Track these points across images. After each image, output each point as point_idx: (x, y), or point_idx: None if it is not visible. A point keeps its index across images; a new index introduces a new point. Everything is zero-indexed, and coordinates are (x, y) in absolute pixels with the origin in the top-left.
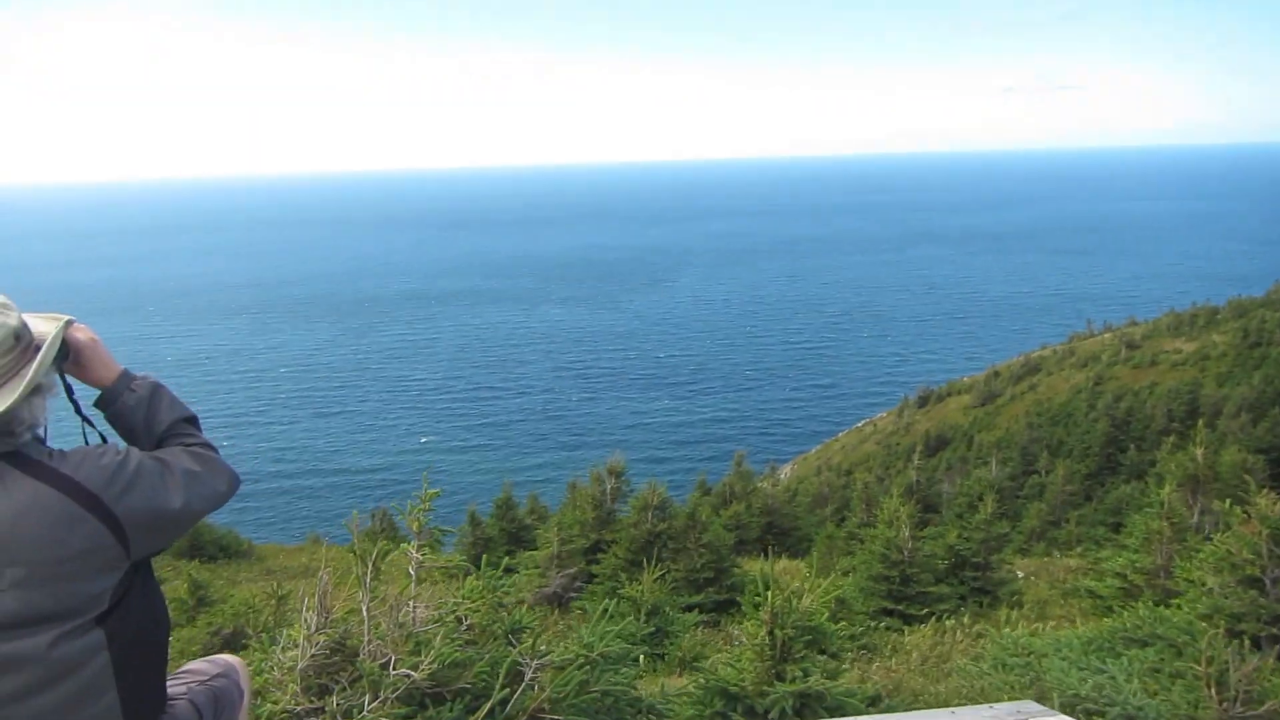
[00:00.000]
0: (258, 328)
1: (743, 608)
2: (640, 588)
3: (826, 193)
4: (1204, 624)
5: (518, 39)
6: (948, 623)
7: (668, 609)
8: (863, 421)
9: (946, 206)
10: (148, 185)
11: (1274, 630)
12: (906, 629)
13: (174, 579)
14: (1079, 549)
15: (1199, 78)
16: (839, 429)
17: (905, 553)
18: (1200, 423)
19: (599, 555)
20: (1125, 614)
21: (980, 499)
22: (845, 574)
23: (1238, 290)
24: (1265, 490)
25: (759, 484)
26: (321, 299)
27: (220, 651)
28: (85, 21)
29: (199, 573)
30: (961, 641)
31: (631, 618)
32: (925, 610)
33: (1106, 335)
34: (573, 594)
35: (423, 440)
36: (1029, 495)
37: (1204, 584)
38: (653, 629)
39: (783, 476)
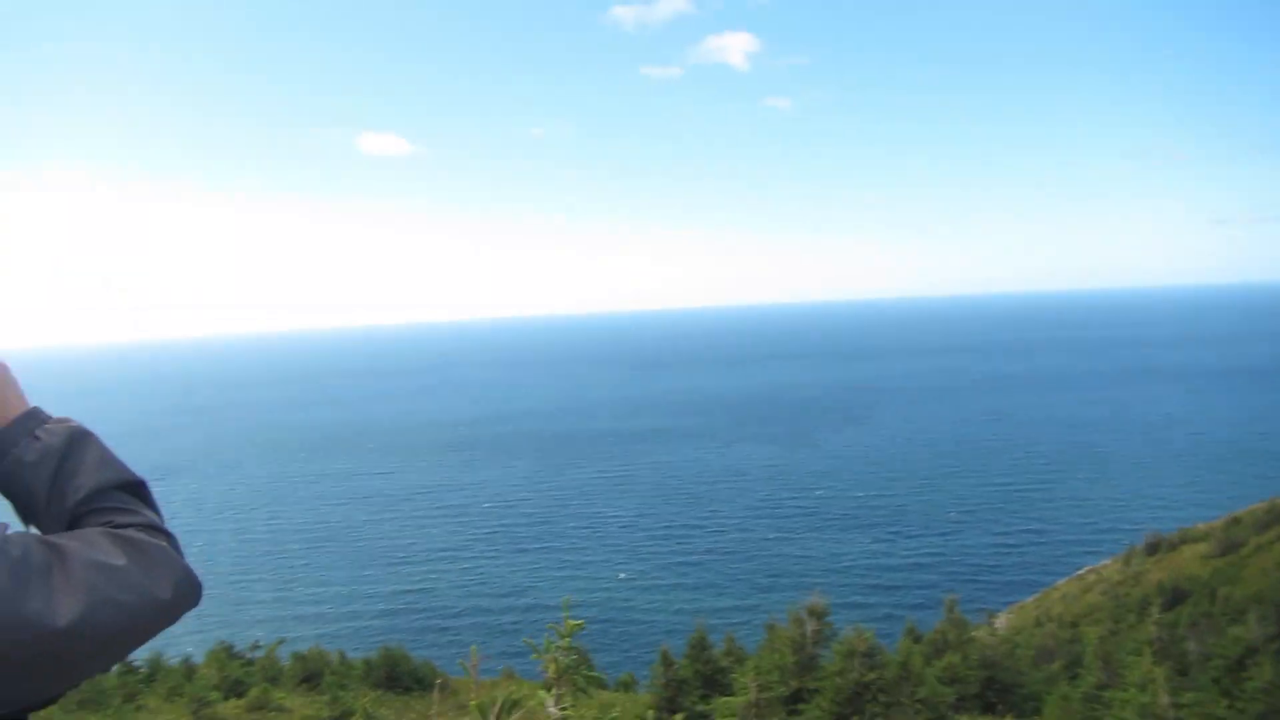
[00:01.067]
0: (463, 464)
1: None
2: None
3: (1025, 328)
4: None
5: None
6: None
7: None
8: (1084, 569)
9: (1159, 342)
10: (355, 331)
11: None
12: None
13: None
14: None
15: None
16: (1054, 577)
17: None
18: None
19: (800, 705)
20: None
21: (1242, 662)
22: None
23: None
24: None
25: (974, 633)
26: (524, 437)
27: None
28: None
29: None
30: None
31: None
32: None
33: None
34: None
35: (620, 577)
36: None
37: None
38: None
39: (998, 625)
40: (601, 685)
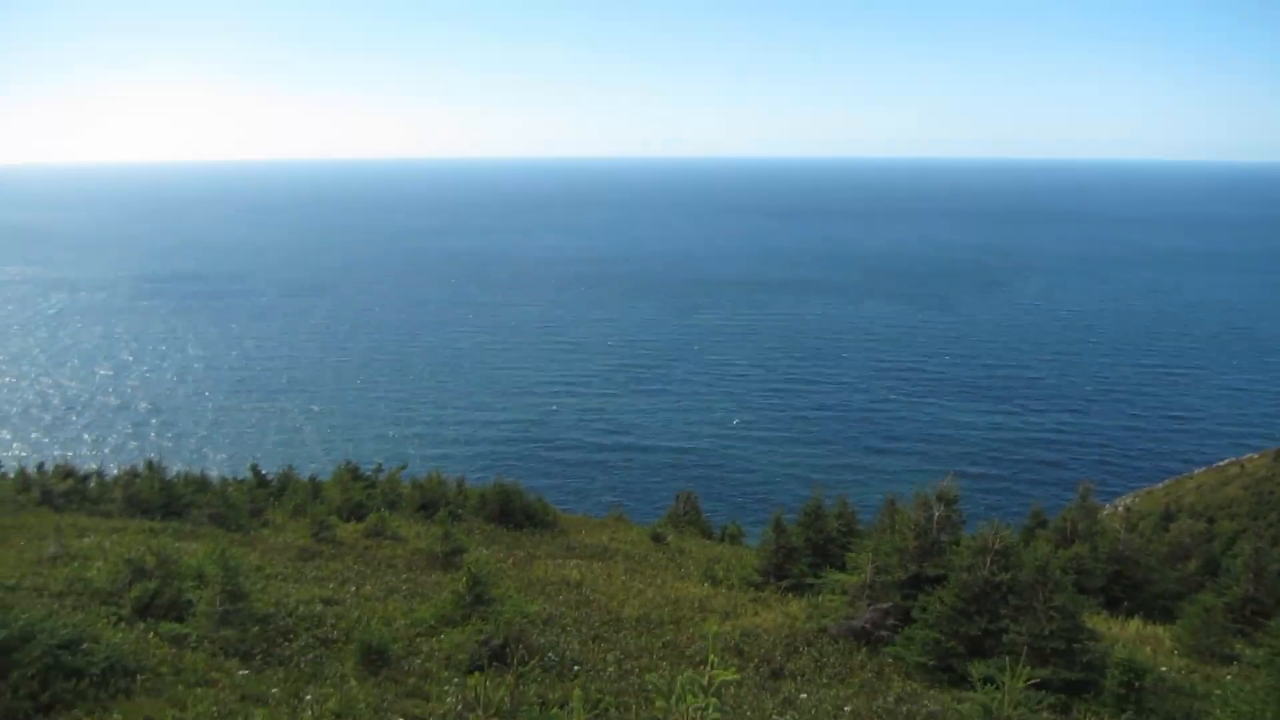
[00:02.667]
0: (591, 301)
1: (1104, 696)
2: (998, 696)
3: (1203, 201)
4: None
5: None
6: None
7: None
8: (1226, 460)
9: None
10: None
11: None
12: None
13: (472, 548)
14: None
15: None
16: (1191, 466)
17: None
18: None
19: (919, 593)
20: None
21: None
22: (1248, 665)
23: None
24: None
25: (1106, 522)
26: (653, 278)
27: (490, 666)
28: None
29: (478, 566)
30: None
31: None
32: None
33: None
34: (884, 632)
35: (735, 423)
36: None
37: None
38: None
39: (1121, 509)
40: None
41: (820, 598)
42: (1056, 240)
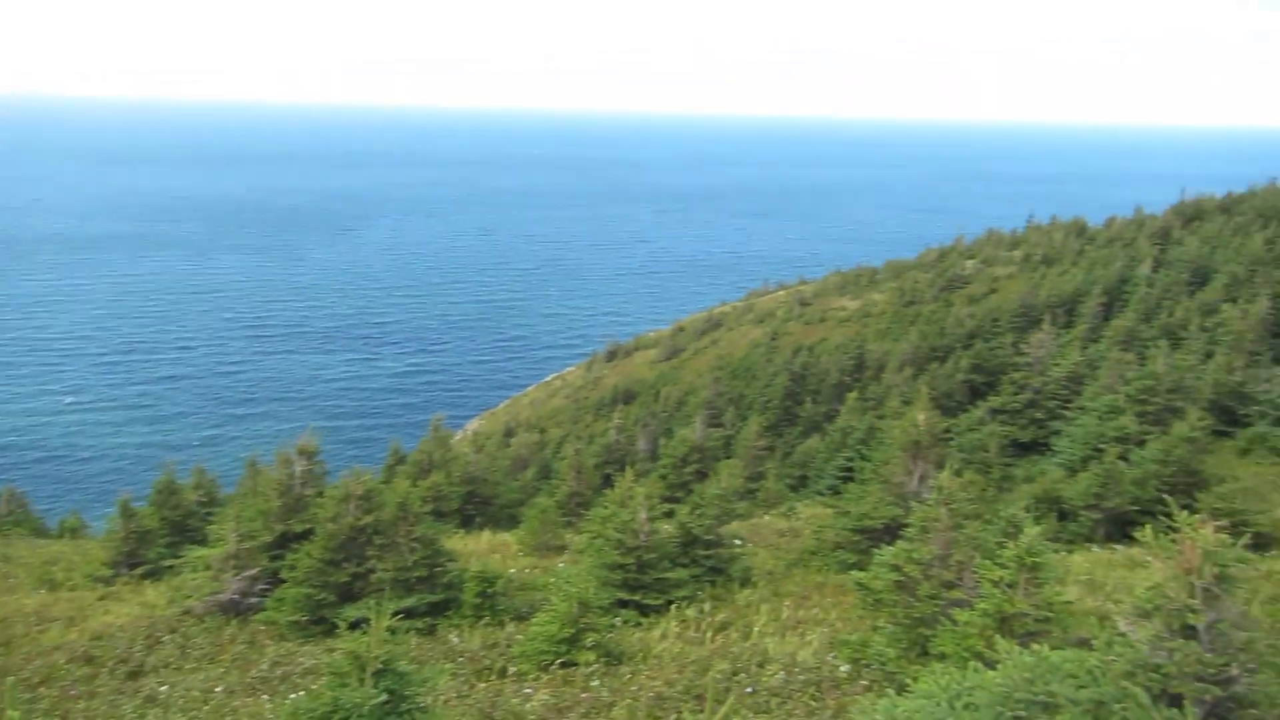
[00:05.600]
0: None
1: (464, 609)
2: (364, 639)
3: (529, 145)
4: (1128, 684)
5: None
6: (688, 612)
7: (402, 664)
8: (551, 375)
9: (640, 165)
10: None
11: (1212, 688)
12: (644, 620)
13: None
14: (781, 507)
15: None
16: (528, 384)
17: (642, 537)
18: (922, 387)
19: (288, 552)
20: (1008, 665)
21: (686, 459)
22: (574, 553)
23: (893, 253)
24: (1186, 513)
25: (457, 448)
26: None
27: None
28: None
29: None
30: (715, 639)
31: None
32: (663, 599)
33: (781, 293)
34: (254, 599)
35: (66, 401)
36: (718, 451)
37: (1115, 629)
38: (383, 696)
39: (470, 434)
40: (40, 532)
41: (181, 578)
42: (399, 185)
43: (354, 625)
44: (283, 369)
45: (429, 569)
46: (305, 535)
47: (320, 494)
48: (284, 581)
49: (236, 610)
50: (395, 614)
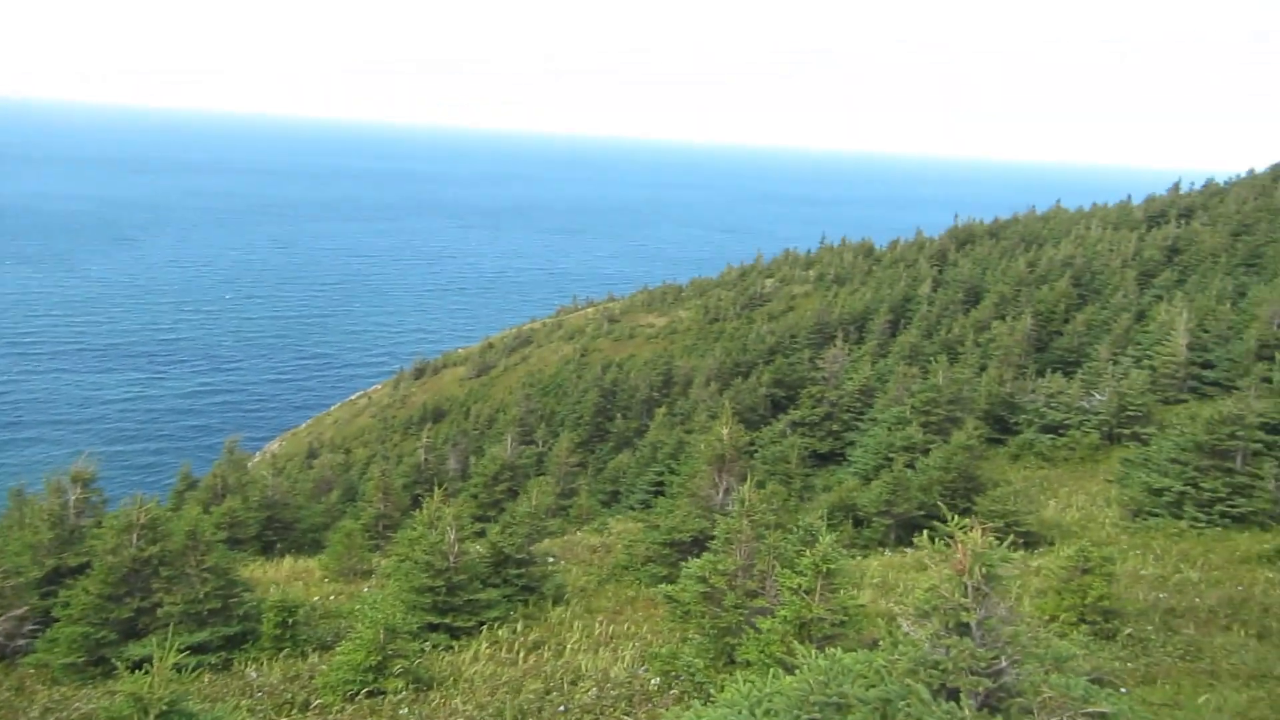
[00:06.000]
0: None
1: (262, 641)
2: (147, 679)
3: (329, 155)
4: (911, 681)
5: None
6: (500, 633)
7: (190, 703)
8: (356, 394)
9: (448, 179)
10: None
11: (984, 680)
12: (455, 644)
13: None
14: (594, 523)
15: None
16: (331, 403)
17: (452, 558)
18: (726, 402)
19: (61, 588)
20: (805, 669)
21: (497, 477)
22: (381, 577)
23: (698, 271)
24: (957, 518)
25: (255, 471)
26: None
27: None
28: None
29: None
30: (528, 659)
31: None
32: (475, 620)
33: (590, 310)
34: (22, 641)
35: None
36: (529, 469)
37: (896, 628)
38: None
39: (270, 455)
40: None
41: None
42: (187, 193)
43: (136, 665)
44: (53, 390)
45: (223, 600)
46: (81, 569)
47: (99, 524)
48: (57, 620)
49: (2, 654)
50: (185, 650)
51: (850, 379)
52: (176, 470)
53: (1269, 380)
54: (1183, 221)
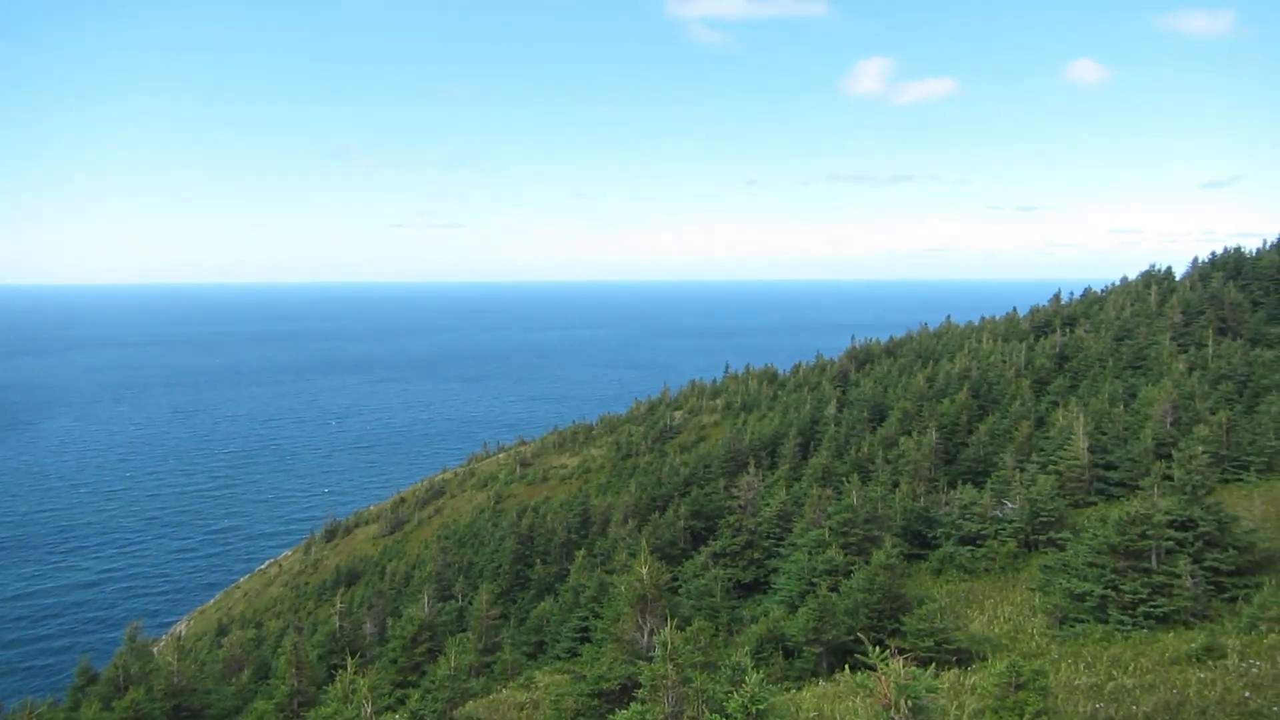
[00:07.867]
0: None
1: None
2: None
3: (220, 321)
4: None
5: None
6: None
7: None
8: (267, 562)
9: (346, 335)
10: None
11: None
12: None
13: None
14: (520, 678)
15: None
16: (239, 575)
17: None
18: (644, 540)
19: None
20: None
21: (416, 639)
22: None
23: (606, 408)
24: (882, 652)
25: (159, 657)
26: None
27: None
28: None
29: None
30: None
31: None
32: None
33: (502, 455)
34: None
35: None
36: (450, 626)
37: None
38: None
39: (178, 636)
40: None
41: None
42: (81, 370)
43: None
44: None
45: None
46: None
47: None
48: None
49: None
50: None
51: (767, 505)
52: (75, 666)
53: (1170, 478)
54: (1067, 330)
